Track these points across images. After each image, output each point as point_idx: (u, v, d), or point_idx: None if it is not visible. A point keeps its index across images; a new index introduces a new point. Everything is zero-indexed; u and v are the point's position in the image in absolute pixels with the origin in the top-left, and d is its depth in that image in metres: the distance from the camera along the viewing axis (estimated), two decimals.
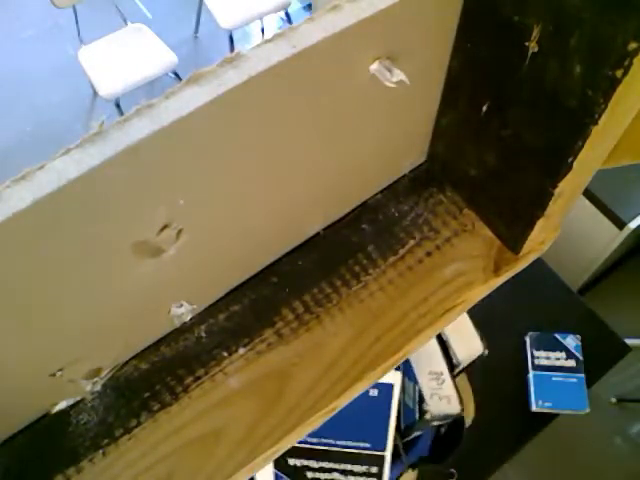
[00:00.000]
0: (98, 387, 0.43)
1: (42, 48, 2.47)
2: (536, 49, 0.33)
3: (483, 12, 0.36)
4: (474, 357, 0.85)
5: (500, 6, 0.34)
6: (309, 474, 0.71)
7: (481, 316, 0.85)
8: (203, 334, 0.46)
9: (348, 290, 0.47)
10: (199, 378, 0.44)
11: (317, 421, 0.42)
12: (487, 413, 0.97)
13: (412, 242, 0.49)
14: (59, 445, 0.42)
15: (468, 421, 0.97)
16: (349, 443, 0.70)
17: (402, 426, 0.84)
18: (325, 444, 0.71)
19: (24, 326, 0.34)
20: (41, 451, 0.41)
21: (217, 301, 0.47)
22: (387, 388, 0.70)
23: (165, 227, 0.35)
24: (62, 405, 0.43)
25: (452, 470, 0.95)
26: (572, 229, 1.49)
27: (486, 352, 0.85)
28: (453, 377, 0.78)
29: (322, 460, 0.71)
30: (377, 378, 0.44)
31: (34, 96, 2.33)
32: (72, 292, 0.34)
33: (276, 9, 2.10)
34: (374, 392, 0.70)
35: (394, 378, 0.69)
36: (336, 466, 0.69)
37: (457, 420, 0.85)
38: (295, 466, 0.72)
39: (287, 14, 2.42)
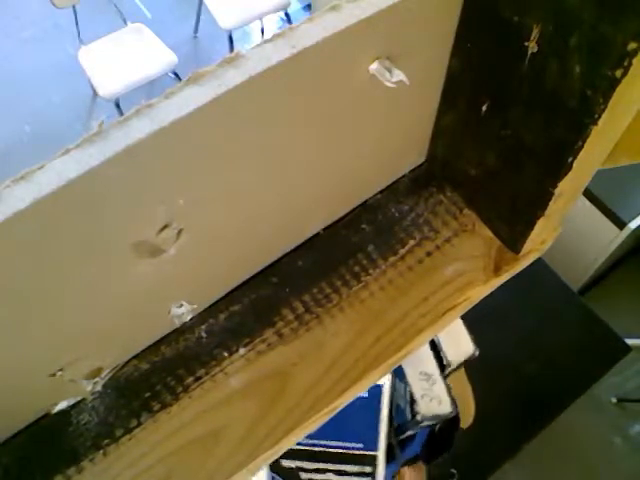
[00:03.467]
0: (99, 387, 0.43)
1: (42, 48, 2.46)
2: (536, 49, 0.33)
3: (483, 12, 0.36)
4: (465, 358, 0.84)
5: (500, 6, 0.34)
6: (303, 475, 0.71)
7: (481, 316, 0.85)
8: (203, 334, 0.46)
9: (348, 290, 0.47)
10: (199, 378, 0.44)
11: (318, 421, 0.42)
12: (487, 413, 0.97)
13: (412, 242, 0.49)
14: (59, 445, 0.42)
15: (469, 420, 0.97)
16: (342, 444, 0.70)
17: (395, 424, 0.83)
18: (318, 445, 0.71)
19: (24, 326, 0.34)
20: (41, 451, 0.41)
21: (217, 301, 0.47)
22: (377, 389, 0.70)
23: (165, 227, 0.35)
24: (62, 405, 0.43)
25: (452, 470, 0.96)
26: (572, 229, 1.49)
27: (477, 352, 0.84)
28: (444, 378, 0.77)
29: (316, 461, 0.71)
30: (378, 378, 0.44)
31: (34, 96, 2.32)
32: (72, 292, 0.34)
33: (276, 9, 2.10)
34: (364, 393, 0.69)
35: (383, 379, 0.68)
36: (330, 467, 0.69)
37: (450, 421, 0.85)
38: (290, 467, 0.71)
39: (287, 14, 2.42)
